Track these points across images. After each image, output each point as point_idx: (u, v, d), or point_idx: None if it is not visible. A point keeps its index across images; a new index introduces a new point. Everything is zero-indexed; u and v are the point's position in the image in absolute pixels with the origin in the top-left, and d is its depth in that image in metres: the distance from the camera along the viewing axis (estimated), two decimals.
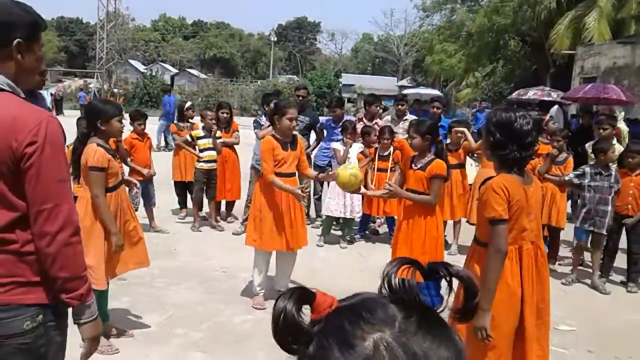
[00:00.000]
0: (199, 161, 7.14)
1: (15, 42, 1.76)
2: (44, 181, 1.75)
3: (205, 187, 7.19)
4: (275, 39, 63.26)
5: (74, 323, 1.91)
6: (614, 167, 5.84)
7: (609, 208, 5.50)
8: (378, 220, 7.70)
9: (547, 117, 7.80)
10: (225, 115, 7.58)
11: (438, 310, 0.73)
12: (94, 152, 3.60)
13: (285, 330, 0.72)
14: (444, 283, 0.76)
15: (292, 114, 4.67)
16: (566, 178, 5.83)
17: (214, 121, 7.15)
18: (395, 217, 6.30)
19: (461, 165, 6.80)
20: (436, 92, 14.89)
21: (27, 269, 1.79)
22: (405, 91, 15.99)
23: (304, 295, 0.74)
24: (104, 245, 3.63)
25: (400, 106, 7.75)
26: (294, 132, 4.94)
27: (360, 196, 6.80)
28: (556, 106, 11.99)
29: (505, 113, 2.76)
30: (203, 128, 7.20)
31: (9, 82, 1.78)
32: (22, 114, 1.74)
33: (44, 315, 1.82)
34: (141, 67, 52.16)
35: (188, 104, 8.48)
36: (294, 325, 0.72)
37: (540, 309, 2.86)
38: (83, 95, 31.33)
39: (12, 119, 1.72)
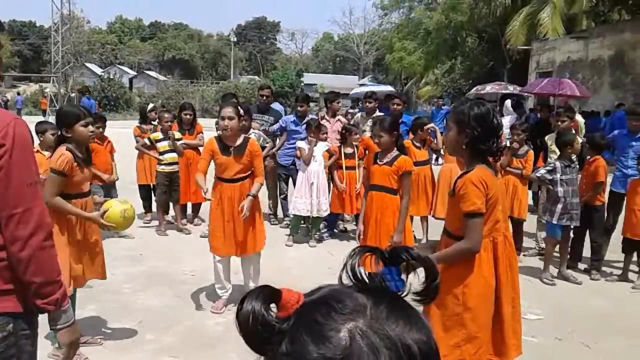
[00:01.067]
0: (159, 164, 7.03)
1: None
2: (14, 185, 1.69)
3: (168, 190, 7.09)
4: (235, 39, 62.98)
5: (51, 329, 1.86)
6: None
7: (579, 199, 5.61)
8: (346, 216, 7.69)
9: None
10: (188, 116, 7.48)
11: (402, 294, 0.74)
12: (59, 155, 3.52)
13: (256, 331, 0.70)
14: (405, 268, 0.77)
15: (223, 113, 4.52)
16: (537, 175, 5.80)
17: (169, 123, 7.00)
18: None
19: (428, 162, 6.89)
20: (389, 87, 14.38)
21: None
22: (358, 89, 15.60)
23: (270, 293, 0.73)
24: (68, 252, 3.54)
25: (368, 103, 7.79)
26: (254, 132, 4.83)
27: (327, 195, 6.80)
28: (508, 100, 12.11)
29: (482, 107, 2.78)
30: (162, 130, 7.08)
31: None
32: None
33: (14, 324, 1.76)
34: (98, 70, 51.15)
35: (150, 106, 8.33)
36: (265, 325, 0.70)
37: (512, 298, 2.92)
38: (20, 99, 30.37)
39: None
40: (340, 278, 0.75)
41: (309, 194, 6.65)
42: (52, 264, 1.79)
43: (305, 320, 0.69)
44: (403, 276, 0.75)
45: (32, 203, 1.73)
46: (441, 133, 7.02)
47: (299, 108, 7.53)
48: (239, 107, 4.65)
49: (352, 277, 0.74)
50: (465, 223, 2.74)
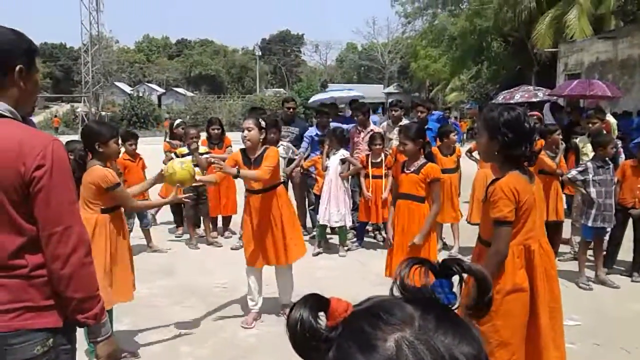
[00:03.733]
0: None
1: (17, 68, 1.76)
2: (55, 204, 1.74)
3: (196, 204, 7.12)
4: (260, 53, 63.56)
5: (90, 342, 1.93)
6: (620, 160, 5.90)
7: (613, 201, 5.49)
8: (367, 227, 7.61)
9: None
10: (216, 131, 7.56)
11: (453, 308, 0.73)
12: (104, 172, 3.65)
13: (304, 338, 0.71)
14: (456, 280, 0.76)
15: (243, 124, 4.65)
16: (569, 176, 5.68)
17: (195, 139, 7.04)
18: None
19: (455, 170, 6.84)
20: (355, 93, 12.67)
21: (36, 293, 1.78)
22: (318, 96, 13.42)
23: (318, 301, 0.74)
24: (105, 267, 3.61)
25: (394, 112, 7.77)
26: (283, 144, 4.87)
27: (340, 206, 6.71)
28: (548, 104, 12.02)
29: (512, 112, 2.74)
30: (187, 145, 7.09)
31: (10, 108, 1.78)
32: (27, 138, 1.74)
33: (54, 339, 1.81)
34: (127, 89, 52.20)
35: (177, 121, 8.44)
36: (312, 332, 0.71)
37: (552, 308, 2.85)
38: None
39: (18, 144, 1.71)
40: (391, 290, 0.75)
41: (336, 204, 6.66)
42: (91, 279, 1.84)
43: (352, 329, 0.69)
44: (455, 289, 0.75)
45: (72, 221, 1.78)
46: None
47: (318, 119, 7.60)
48: (261, 120, 4.66)
49: (401, 288, 0.74)
50: (493, 230, 2.73)
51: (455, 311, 0.72)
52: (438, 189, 4.48)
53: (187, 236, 7.46)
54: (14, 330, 1.74)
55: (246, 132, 4.54)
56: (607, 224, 5.51)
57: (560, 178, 6.13)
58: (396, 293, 0.75)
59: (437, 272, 0.75)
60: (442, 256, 4.77)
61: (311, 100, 14.16)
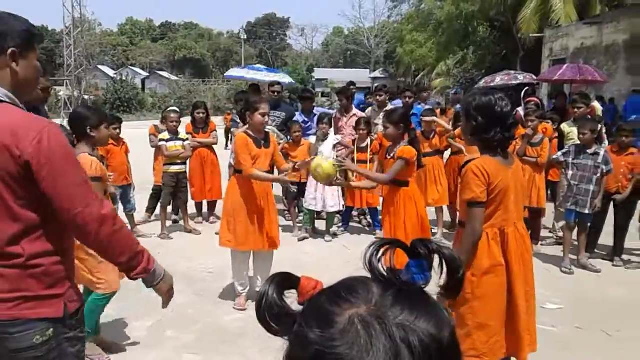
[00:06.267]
0: (165, 164, 6.99)
1: (9, 51, 1.74)
2: (65, 187, 1.73)
3: (175, 192, 7.01)
4: (245, 36, 63.00)
5: (147, 287, 2.03)
6: (603, 147, 5.94)
7: (592, 188, 5.49)
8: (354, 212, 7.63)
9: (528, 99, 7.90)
10: (201, 115, 7.49)
11: (423, 287, 0.73)
12: (91, 162, 3.55)
13: (267, 313, 0.75)
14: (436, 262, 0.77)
15: (264, 109, 4.56)
16: (553, 157, 5.82)
17: (174, 123, 6.97)
18: (379, 208, 6.35)
19: (438, 152, 6.86)
20: (281, 77, 11.74)
21: (34, 283, 1.77)
22: (233, 72, 12.17)
23: (286, 279, 0.79)
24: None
25: (379, 97, 7.77)
26: (268, 129, 4.88)
27: (335, 191, 6.73)
28: (525, 88, 12.02)
29: (485, 97, 2.79)
30: (168, 131, 6.98)
31: (7, 93, 1.76)
32: (23, 123, 1.72)
33: (54, 329, 1.81)
34: (111, 72, 51.50)
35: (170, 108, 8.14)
36: (276, 308, 0.75)
37: (526, 292, 2.89)
38: None
39: (13, 129, 1.69)
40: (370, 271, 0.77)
41: (315, 188, 6.66)
42: (128, 240, 1.89)
43: (314, 305, 0.72)
44: (430, 269, 0.75)
45: (89, 199, 1.78)
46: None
47: (303, 106, 7.61)
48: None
49: (369, 269, 0.75)
50: (467, 212, 2.79)
51: (423, 290, 0.73)
52: (397, 167, 4.36)
53: (175, 219, 7.48)
54: (13, 319, 1.74)
55: (266, 117, 4.61)
56: (580, 208, 5.55)
57: (537, 164, 6.15)
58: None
59: (407, 252, 0.76)
60: None
61: (227, 74, 13.49)
